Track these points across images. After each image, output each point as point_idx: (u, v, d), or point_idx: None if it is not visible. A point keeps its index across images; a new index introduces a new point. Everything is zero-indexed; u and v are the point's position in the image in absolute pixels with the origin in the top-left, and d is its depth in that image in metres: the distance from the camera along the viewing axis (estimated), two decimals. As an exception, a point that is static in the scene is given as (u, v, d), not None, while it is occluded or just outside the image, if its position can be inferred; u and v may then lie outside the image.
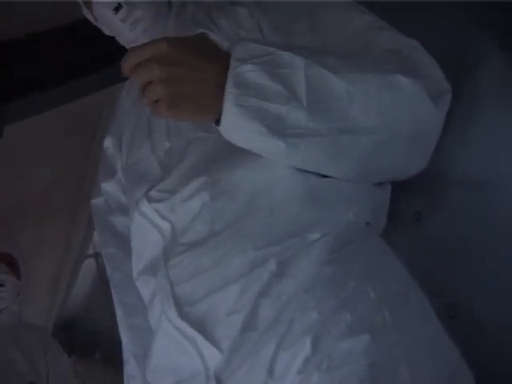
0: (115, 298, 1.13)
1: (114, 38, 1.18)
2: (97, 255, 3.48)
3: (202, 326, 0.84)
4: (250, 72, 0.75)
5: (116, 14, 1.10)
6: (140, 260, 1.00)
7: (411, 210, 1.03)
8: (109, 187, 1.19)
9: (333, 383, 0.73)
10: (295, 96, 0.76)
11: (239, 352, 0.81)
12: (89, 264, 3.59)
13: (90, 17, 1.18)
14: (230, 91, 0.75)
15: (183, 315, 0.85)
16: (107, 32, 1.18)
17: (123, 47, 1.16)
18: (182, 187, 0.92)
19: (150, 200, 0.95)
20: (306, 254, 0.83)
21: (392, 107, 0.82)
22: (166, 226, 0.93)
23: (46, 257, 3.14)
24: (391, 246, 0.91)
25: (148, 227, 0.96)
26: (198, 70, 0.77)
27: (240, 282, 0.83)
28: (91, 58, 1.77)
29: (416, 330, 0.80)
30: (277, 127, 0.77)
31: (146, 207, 0.95)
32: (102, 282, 3.53)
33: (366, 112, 0.80)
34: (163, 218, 0.93)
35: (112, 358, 3.42)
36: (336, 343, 0.75)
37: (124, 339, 1.09)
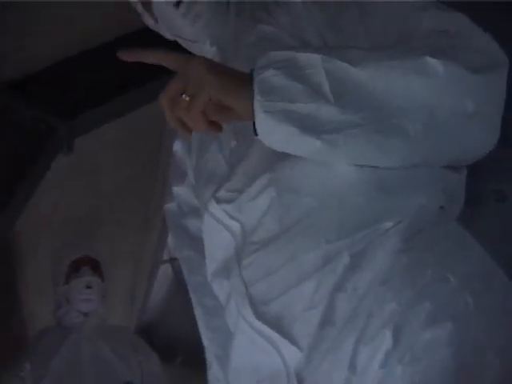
0: (194, 301, 1.14)
1: (172, 44, 1.18)
2: (172, 260, 3.51)
3: (279, 325, 0.83)
4: (273, 76, 0.77)
5: (177, 9, 1.11)
6: (213, 261, 1.00)
7: (492, 189, 0.98)
8: (180, 191, 1.20)
9: (416, 375, 0.71)
10: (321, 93, 0.76)
11: (318, 349, 0.79)
12: (164, 269, 3.63)
13: (147, 20, 1.20)
14: (256, 99, 0.77)
15: (259, 315, 0.85)
16: (167, 34, 1.18)
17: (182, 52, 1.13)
18: (247, 186, 0.92)
19: (219, 201, 0.95)
20: (380, 244, 0.81)
21: (424, 90, 0.79)
22: (235, 226, 0.93)
23: (121, 264, 3.19)
24: (470, 230, 0.86)
25: (218, 228, 0.96)
26: (228, 84, 0.80)
27: (314, 278, 0.82)
28: (150, 65, 1.79)
29: (501, 315, 0.76)
30: (309, 126, 0.77)
31: (214, 208, 0.96)
32: (179, 287, 3.60)
33: (393, 97, 0.78)
34: (232, 218, 0.93)
35: (193, 362, 3.46)
36: (417, 334, 0.72)
37: (205, 342, 1.10)
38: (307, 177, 0.88)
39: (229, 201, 0.94)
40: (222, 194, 0.96)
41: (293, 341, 0.81)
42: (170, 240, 3.31)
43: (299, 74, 0.78)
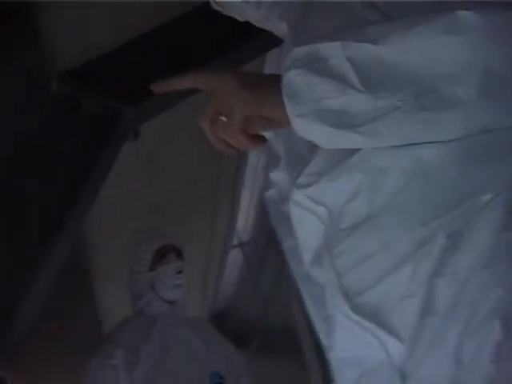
0: (303, 293, 1.08)
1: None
2: (242, 245, 3.52)
3: (376, 316, 0.78)
4: (295, 77, 0.74)
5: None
6: (307, 251, 0.95)
7: None
8: (276, 177, 1.14)
9: None
10: (348, 83, 0.72)
11: (420, 341, 0.74)
12: (235, 254, 3.64)
13: (216, 7, 1.17)
14: (287, 105, 0.74)
15: (354, 306, 0.81)
16: (239, 17, 1.16)
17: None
18: (329, 168, 0.87)
19: (300, 186, 0.91)
20: (479, 220, 0.74)
21: (461, 49, 0.69)
22: (322, 210, 0.88)
23: (193, 251, 3.21)
24: None
25: (305, 215, 0.91)
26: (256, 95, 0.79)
27: (410, 263, 0.77)
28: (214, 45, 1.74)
29: None
30: (344, 122, 0.73)
31: (297, 195, 0.91)
32: (248, 271, 3.60)
33: (428, 67, 0.70)
34: (317, 203, 0.88)
35: (267, 346, 3.46)
36: None
37: (318, 332, 1.04)
38: (393, 154, 0.81)
39: (310, 184, 0.89)
40: (303, 179, 0.91)
41: (392, 332, 0.76)
42: (239, 224, 3.32)
43: (322, 67, 0.73)
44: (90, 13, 1.63)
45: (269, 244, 3.16)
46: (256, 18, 1.12)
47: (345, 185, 0.84)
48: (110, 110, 1.61)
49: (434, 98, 0.71)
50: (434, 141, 0.77)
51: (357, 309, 0.80)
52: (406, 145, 0.79)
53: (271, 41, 1.25)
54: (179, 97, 1.74)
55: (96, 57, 1.73)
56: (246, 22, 1.18)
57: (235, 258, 3.67)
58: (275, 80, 0.77)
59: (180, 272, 2.17)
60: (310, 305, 1.06)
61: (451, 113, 0.72)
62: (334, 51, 0.73)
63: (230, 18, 1.18)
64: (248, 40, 1.71)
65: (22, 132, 1.60)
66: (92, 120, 1.61)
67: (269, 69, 1.90)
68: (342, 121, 0.73)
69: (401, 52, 0.71)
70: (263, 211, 2.97)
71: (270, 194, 1.18)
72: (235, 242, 3.50)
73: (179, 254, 2.24)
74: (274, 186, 1.16)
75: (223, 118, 0.81)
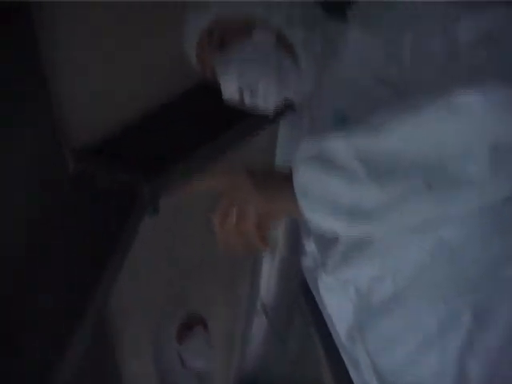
0: (343, 356, 1.06)
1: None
2: (265, 308, 3.46)
3: None
4: (306, 173, 0.75)
5: (243, 100, 1.14)
6: (341, 328, 0.96)
7: None
8: (309, 247, 1.13)
9: None
10: (357, 179, 0.72)
11: None
12: (259, 318, 3.58)
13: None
14: (300, 201, 0.75)
15: None
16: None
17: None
18: (354, 250, 0.89)
19: (327, 270, 0.92)
20: (504, 294, 0.75)
21: (466, 131, 0.68)
22: (350, 291, 0.89)
23: (217, 316, 3.16)
24: None
25: (335, 296, 0.93)
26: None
27: (438, 343, 0.78)
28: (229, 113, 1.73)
29: None
30: (357, 216, 0.73)
31: (326, 278, 0.94)
32: (274, 334, 3.53)
33: (433, 150, 0.70)
34: (345, 284, 0.90)
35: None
36: None
37: None
38: (415, 236, 0.83)
39: (338, 268, 0.90)
40: (330, 262, 0.93)
41: None
42: (262, 288, 3.27)
43: (331, 163, 0.74)
44: (103, 89, 1.63)
45: (293, 306, 3.11)
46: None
47: (369, 267, 0.86)
48: (129, 186, 1.59)
49: (444, 178, 0.69)
50: (452, 218, 0.77)
51: None
52: (427, 225, 0.78)
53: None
54: (197, 169, 1.72)
55: (111, 132, 1.73)
56: None
57: (260, 321, 3.61)
58: (287, 177, 0.77)
59: (207, 343, 2.13)
60: (350, 369, 1.05)
61: (464, 191, 0.70)
62: (340, 146, 0.72)
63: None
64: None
65: (37, 212, 1.57)
66: (110, 197, 1.59)
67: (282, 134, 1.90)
68: (355, 215, 0.73)
69: (405, 141, 0.70)
70: (285, 275, 2.93)
71: (306, 262, 1.16)
72: (259, 306, 3.45)
73: (205, 325, 2.21)
74: (308, 254, 1.15)
75: (235, 218, 0.82)
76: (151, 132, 1.72)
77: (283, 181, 0.78)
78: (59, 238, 1.52)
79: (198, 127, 1.74)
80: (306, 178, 0.75)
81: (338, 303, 0.94)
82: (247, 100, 1.14)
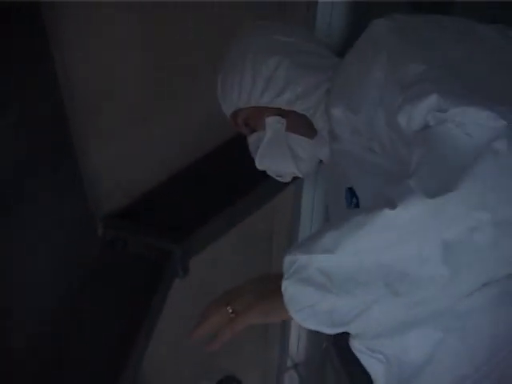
0: None
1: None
2: (296, 366, 3.39)
3: None
4: (288, 287, 0.80)
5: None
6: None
7: None
8: None
9: None
10: (327, 289, 0.77)
11: None
12: (290, 376, 3.51)
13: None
14: (290, 312, 0.81)
15: None
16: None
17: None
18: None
19: (354, 337, 0.91)
20: None
21: (398, 244, 0.73)
22: (380, 358, 0.90)
23: (249, 376, 3.10)
24: None
25: (368, 359, 0.91)
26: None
27: None
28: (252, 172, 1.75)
29: None
30: (337, 321, 0.78)
31: (355, 344, 0.91)
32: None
33: (387, 258, 0.74)
34: (374, 352, 0.90)
35: None
36: None
37: None
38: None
39: (365, 335, 0.89)
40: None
41: None
42: (292, 346, 3.22)
43: (304, 276, 0.79)
44: (128, 154, 1.66)
45: (324, 362, 3.05)
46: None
47: (389, 343, 0.88)
48: (158, 250, 1.60)
49: (407, 282, 0.73)
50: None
51: None
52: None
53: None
54: (224, 229, 1.73)
55: (138, 197, 1.75)
56: None
57: (291, 380, 3.54)
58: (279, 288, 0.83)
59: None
60: None
61: (429, 293, 0.74)
62: (306, 262, 0.79)
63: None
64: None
65: (69, 279, 1.58)
66: (140, 261, 1.60)
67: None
68: (335, 320, 0.78)
69: (356, 256, 0.75)
70: (315, 332, 2.88)
71: None
72: (289, 363, 3.39)
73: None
74: None
75: (230, 310, 0.88)
76: (178, 194, 1.74)
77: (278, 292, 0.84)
78: (91, 305, 1.52)
79: (223, 188, 1.75)
80: (288, 290, 0.81)
81: (374, 368, 0.93)
82: (280, 179, 1.30)
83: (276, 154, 1.22)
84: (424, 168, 0.73)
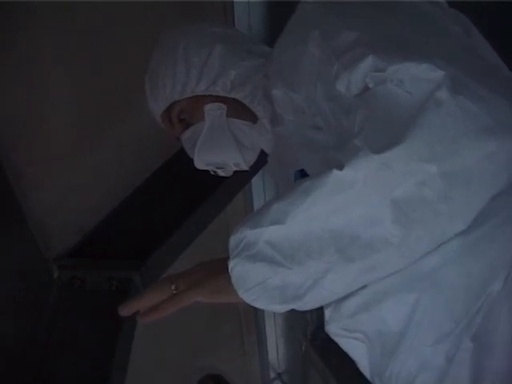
0: None
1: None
2: (280, 376, 3.38)
3: None
4: (235, 267, 0.79)
5: (218, 174, 1.24)
6: (363, 369, 0.94)
7: None
8: None
9: None
10: (277, 263, 0.76)
11: None
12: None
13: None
14: (239, 293, 0.79)
15: None
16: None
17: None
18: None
19: (331, 320, 0.90)
20: (498, 311, 0.78)
21: (356, 201, 0.72)
22: (359, 337, 0.88)
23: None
24: None
25: (348, 341, 0.91)
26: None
27: (450, 377, 0.82)
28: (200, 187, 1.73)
29: None
30: (290, 296, 0.77)
31: (332, 328, 0.91)
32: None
33: (337, 222, 0.73)
34: (352, 331, 0.88)
35: None
36: None
37: None
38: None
39: (340, 319, 0.89)
40: (331, 314, 0.90)
41: None
42: (271, 356, 3.20)
43: (253, 253, 0.78)
44: (70, 189, 1.62)
45: (307, 365, 3.04)
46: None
47: (366, 318, 0.86)
48: (118, 281, 1.55)
49: (359, 245, 0.72)
50: (380, 277, 0.78)
51: None
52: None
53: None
54: (181, 246, 1.70)
55: (88, 231, 1.71)
56: None
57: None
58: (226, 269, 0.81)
59: None
60: None
61: (384, 255, 0.73)
62: (255, 237, 0.77)
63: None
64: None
65: (29, 325, 1.52)
66: (101, 295, 1.55)
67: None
68: (288, 295, 0.77)
69: (307, 224, 0.74)
70: (292, 337, 2.88)
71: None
72: (272, 375, 3.36)
73: None
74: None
75: (173, 287, 0.85)
76: (128, 221, 1.71)
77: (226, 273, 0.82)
78: (59, 348, 1.47)
79: (173, 206, 1.73)
80: (235, 270, 0.79)
81: (354, 350, 0.91)
82: (221, 173, 1.23)
83: (217, 144, 1.17)
84: (369, 126, 0.72)
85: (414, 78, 0.71)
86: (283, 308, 0.79)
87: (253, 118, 1.19)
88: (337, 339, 0.91)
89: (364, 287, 0.83)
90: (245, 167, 1.24)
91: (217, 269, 0.83)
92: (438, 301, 0.80)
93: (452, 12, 0.94)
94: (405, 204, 0.69)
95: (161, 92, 1.17)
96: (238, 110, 1.17)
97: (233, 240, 0.80)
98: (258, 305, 0.80)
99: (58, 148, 1.55)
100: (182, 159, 1.67)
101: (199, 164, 1.21)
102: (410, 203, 0.69)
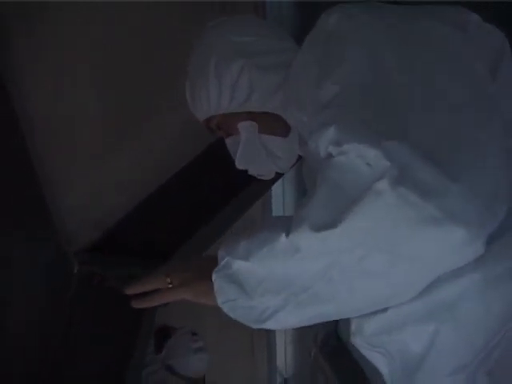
0: None
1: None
2: (286, 381, 3.37)
3: None
4: (215, 280, 0.89)
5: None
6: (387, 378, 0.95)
7: None
8: None
9: None
10: (244, 289, 0.87)
11: None
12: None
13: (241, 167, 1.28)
14: (218, 301, 0.90)
15: None
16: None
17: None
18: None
19: (354, 333, 0.95)
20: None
21: (300, 261, 0.81)
22: (381, 351, 0.92)
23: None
24: None
25: (370, 354, 0.94)
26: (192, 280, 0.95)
27: None
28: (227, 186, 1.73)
29: None
30: (254, 318, 0.88)
31: (355, 341, 0.95)
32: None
33: (291, 276, 0.82)
34: (375, 347, 0.92)
35: None
36: None
37: None
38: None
39: (361, 333, 0.93)
40: (353, 327, 0.95)
41: None
42: (279, 361, 3.19)
43: (229, 274, 0.88)
44: (95, 185, 1.64)
45: (314, 372, 3.03)
46: (271, 174, 1.29)
47: (388, 339, 0.90)
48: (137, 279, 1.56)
49: (310, 294, 0.81)
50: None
51: None
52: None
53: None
54: (201, 248, 1.71)
55: (109, 227, 1.72)
56: None
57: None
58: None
59: (195, 334, 1.94)
60: None
61: (330, 304, 0.82)
62: (229, 262, 0.88)
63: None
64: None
65: (55, 323, 1.54)
66: (119, 294, 1.56)
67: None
68: (252, 317, 0.88)
69: (267, 266, 0.84)
70: (301, 345, 2.88)
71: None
72: (279, 380, 3.36)
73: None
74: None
75: (168, 281, 0.95)
76: (152, 217, 1.72)
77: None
78: (78, 344, 1.48)
79: (198, 203, 1.73)
80: (216, 283, 0.89)
81: (376, 361, 0.94)
82: (262, 177, 1.29)
83: (253, 156, 1.21)
84: (316, 199, 0.78)
85: (365, 160, 0.73)
86: (255, 326, 0.89)
87: (285, 128, 1.20)
88: (361, 350, 0.94)
89: (385, 310, 0.86)
90: (282, 171, 1.29)
91: (206, 271, 0.91)
92: (457, 333, 0.83)
93: (486, 29, 0.93)
94: (345, 272, 0.77)
95: (198, 105, 1.20)
96: (270, 123, 1.19)
97: (220, 254, 0.90)
98: (233, 317, 0.90)
99: (84, 146, 1.57)
100: (205, 161, 1.69)
101: (240, 167, 1.26)
102: (351, 273, 0.77)
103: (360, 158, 0.73)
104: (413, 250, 0.71)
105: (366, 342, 0.92)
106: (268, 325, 0.87)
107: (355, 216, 0.72)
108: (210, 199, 1.75)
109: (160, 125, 1.74)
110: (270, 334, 2.97)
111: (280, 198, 2.35)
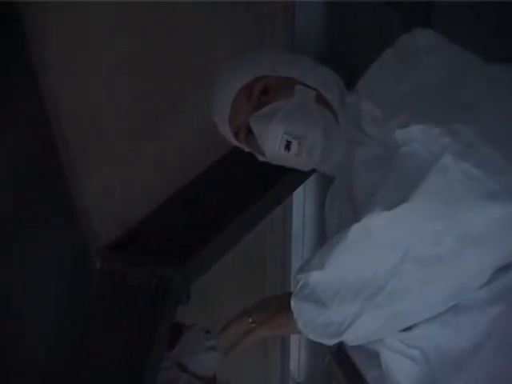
0: None
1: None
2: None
3: None
4: (296, 305, 0.95)
5: (289, 151, 1.14)
6: None
7: None
8: None
9: None
10: (322, 303, 0.90)
11: None
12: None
13: (259, 156, 1.29)
14: (298, 326, 0.96)
15: None
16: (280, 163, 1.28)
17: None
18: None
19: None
20: None
21: (373, 259, 0.84)
22: (416, 353, 0.93)
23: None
24: None
25: (398, 358, 0.95)
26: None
27: None
28: (249, 192, 1.72)
29: None
30: (333, 333, 0.91)
31: (390, 340, 0.96)
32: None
33: (365, 272, 0.85)
34: (411, 347, 0.93)
35: None
36: None
37: None
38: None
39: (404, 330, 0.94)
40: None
41: None
42: (292, 365, 3.18)
43: (307, 293, 0.92)
44: (119, 183, 1.64)
45: (327, 378, 3.02)
46: (307, 167, 1.27)
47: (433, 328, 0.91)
48: (158, 278, 1.56)
49: (385, 294, 0.84)
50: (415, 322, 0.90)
51: None
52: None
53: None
54: (223, 250, 1.70)
55: (133, 225, 1.72)
56: None
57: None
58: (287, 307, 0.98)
59: (208, 332, 1.90)
60: None
61: (405, 301, 0.84)
62: (305, 281, 0.92)
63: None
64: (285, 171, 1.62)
65: (74, 318, 1.54)
66: (140, 291, 1.56)
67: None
68: (331, 332, 0.91)
69: (341, 270, 0.87)
70: (315, 350, 2.87)
71: None
72: (291, 383, 3.34)
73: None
74: None
75: (250, 320, 1.03)
76: (173, 219, 1.71)
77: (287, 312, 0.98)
78: (96, 340, 1.48)
79: (218, 209, 1.73)
80: (295, 308, 0.94)
81: (400, 368, 0.96)
82: (294, 151, 1.14)
83: (303, 117, 1.15)
84: (385, 186, 0.82)
85: (429, 139, 0.78)
86: (330, 342, 0.93)
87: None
88: (390, 355, 0.96)
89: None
90: (316, 156, 1.18)
91: (283, 305, 0.97)
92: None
93: None
94: (419, 261, 0.79)
95: (246, 66, 1.20)
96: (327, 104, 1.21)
97: (293, 280, 0.95)
98: (312, 338, 0.94)
99: (109, 146, 1.58)
100: (231, 162, 1.68)
101: (272, 133, 1.15)
102: (427, 261, 0.79)
103: (423, 145, 0.78)
104: (477, 227, 0.73)
105: (401, 341, 0.94)
106: (346, 336, 0.90)
107: (423, 191, 0.75)
108: (234, 199, 1.74)
109: (186, 124, 1.74)
110: (284, 338, 2.96)
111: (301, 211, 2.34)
